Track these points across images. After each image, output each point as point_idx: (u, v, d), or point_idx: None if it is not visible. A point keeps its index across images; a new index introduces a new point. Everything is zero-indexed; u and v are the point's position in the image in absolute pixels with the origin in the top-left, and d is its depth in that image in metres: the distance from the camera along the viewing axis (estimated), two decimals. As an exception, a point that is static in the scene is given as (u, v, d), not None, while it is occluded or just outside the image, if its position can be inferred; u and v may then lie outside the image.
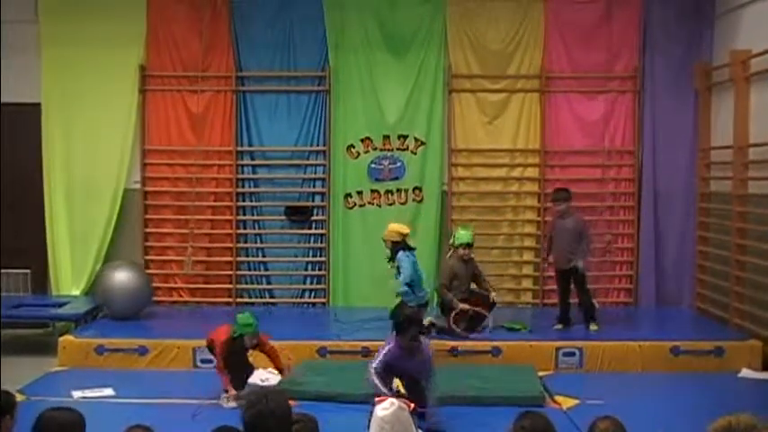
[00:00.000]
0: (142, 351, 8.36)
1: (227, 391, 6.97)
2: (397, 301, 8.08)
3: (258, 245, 10.77)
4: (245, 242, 10.75)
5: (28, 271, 10.43)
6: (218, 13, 10.49)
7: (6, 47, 9.99)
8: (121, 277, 9.29)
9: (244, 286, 10.70)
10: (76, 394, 7.12)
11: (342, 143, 10.55)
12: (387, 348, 6.27)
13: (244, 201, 10.74)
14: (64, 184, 10.47)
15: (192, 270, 10.44)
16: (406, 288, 8.18)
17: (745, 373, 8.01)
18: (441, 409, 6.33)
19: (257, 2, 10.49)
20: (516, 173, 10.64)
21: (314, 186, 10.73)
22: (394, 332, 6.29)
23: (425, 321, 7.80)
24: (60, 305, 9.77)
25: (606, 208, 10.56)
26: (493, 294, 8.83)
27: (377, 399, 5.48)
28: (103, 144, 10.44)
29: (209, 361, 8.24)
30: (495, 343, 8.38)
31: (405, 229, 8.48)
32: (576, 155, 10.58)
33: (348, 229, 10.52)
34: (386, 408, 5.16)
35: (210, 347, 7.23)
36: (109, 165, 10.47)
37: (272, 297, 10.68)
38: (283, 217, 10.65)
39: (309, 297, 10.63)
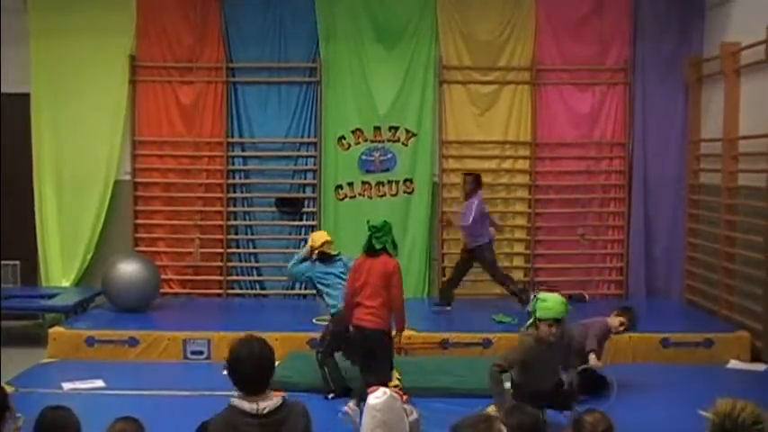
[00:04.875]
0: (132, 343, 8.35)
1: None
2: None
3: (249, 236, 10.76)
4: (236, 234, 10.74)
5: (17, 262, 10.39)
6: (209, 3, 10.45)
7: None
8: (131, 268, 9.29)
9: (234, 278, 10.69)
10: (67, 386, 7.11)
11: (333, 134, 10.53)
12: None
13: (234, 192, 10.72)
14: (53, 175, 10.43)
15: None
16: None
17: (734, 364, 8.06)
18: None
19: (248, -8, 10.48)
20: (507, 165, 10.65)
21: (305, 178, 10.71)
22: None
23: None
24: (50, 296, 9.75)
25: (597, 200, 10.59)
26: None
27: (370, 389, 5.48)
28: (93, 135, 10.40)
29: (200, 353, 8.27)
30: (486, 335, 8.39)
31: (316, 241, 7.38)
32: (567, 147, 10.59)
33: (339, 220, 10.51)
34: (378, 397, 5.17)
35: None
36: (99, 156, 10.44)
37: (262, 288, 10.68)
38: (274, 208, 10.64)
39: (300, 288, 10.62)
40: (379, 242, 6.43)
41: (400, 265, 6.61)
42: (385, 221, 6.57)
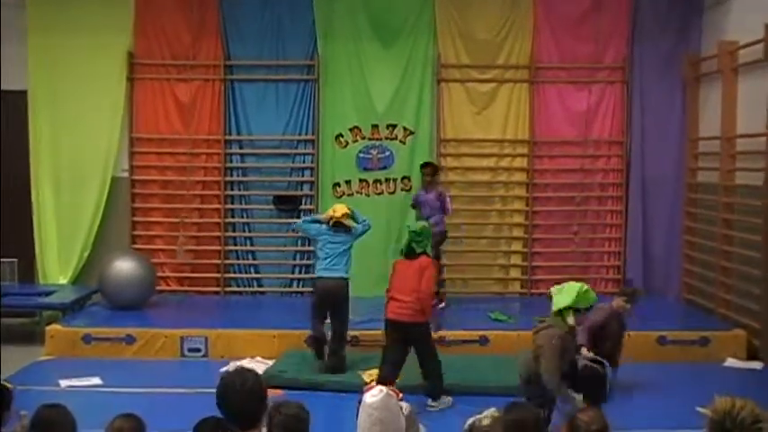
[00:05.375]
0: (129, 340, 8.34)
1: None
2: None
3: (246, 234, 10.75)
4: (234, 231, 10.74)
5: (15, 260, 10.36)
6: (207, 0, 10.43)
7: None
8: (127, 266, 9.27)
9: (232, 275, 10.69)
10: (64, 383, 7.11)
11: (330, 132, 10.53)
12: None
13: (232, 190, 10.71)
14: (51, 172, 10.42)
15: (184, 258, 10.44)
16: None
17: (730, 362, 8.07)
18: None
19: (246, -10, 10.47)
20: (505, 163, 10.65)
21: (302, 175, 10.71)
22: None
23: None
24: (47, 294, 9.74)
25: (594, 198, 10.59)
26: None
27: (366, 387, 5.49)
28: (91, 132, 10.39)
29: (197, 350, 8.27)
30: (483, 332, 8.40)
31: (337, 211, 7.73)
32: (565, 145, 10.59)
33: (336, 218, 10.49)
34: (374, 395, 5.16)
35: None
36: (96, 153, 10.42)
37: (260, 286, 10.67)
38: (271, 206, 10.64)
39: (298, 286, 10.63)
40: (420, 246, 6.72)
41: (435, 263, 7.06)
42: (424, 226, 6.92)
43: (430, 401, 6.67)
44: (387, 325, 6.76)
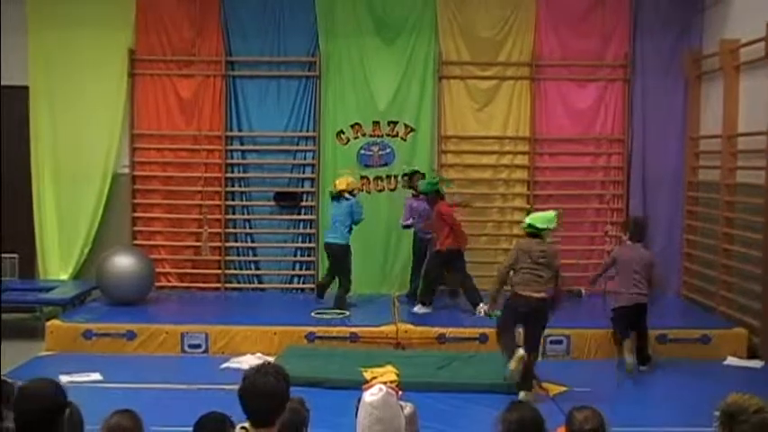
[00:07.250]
0: (130, 336, 8.35)
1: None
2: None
3: (247, 230, 10.76)
4: (234, 227, 10.74)
5: (15, 255, 10.37)
6: (208, -4, 10.44)
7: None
8: (126, 262, 9.27)
9: (232, 271, 10.69)
10: (64, 379, 7.07)
11: (332, 129, 10.53)
12: None
13: (233, 186, 10.71)
14: (52, 168, 10.42)
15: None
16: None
17: (731, 360, 8.07)
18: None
19: (247, -14, 10.46)
20: (506, 160, 10.65)
21: (303, 172, 10.71)
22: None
23: None
24: (48, 290, 9.74)
25: (595, 196, 10.59)
26: None
27: (365, 385, 5.49)
28: (92, 128, 10.39)
29: (198, 346, 8.28)
30: (483, 330, 8.39)
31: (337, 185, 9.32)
32: (566, 142, 10.59)
33: (337, 215, 10.49)
34: (374, 393, 5.16)
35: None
36: (97, 149, 10.43)
37: (260, 282, 10.68)
38: (272, 202, 10.64)
39: (298, 283, 10.63)
40: (432, 187, 9.15)
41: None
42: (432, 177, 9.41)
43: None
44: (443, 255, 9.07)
